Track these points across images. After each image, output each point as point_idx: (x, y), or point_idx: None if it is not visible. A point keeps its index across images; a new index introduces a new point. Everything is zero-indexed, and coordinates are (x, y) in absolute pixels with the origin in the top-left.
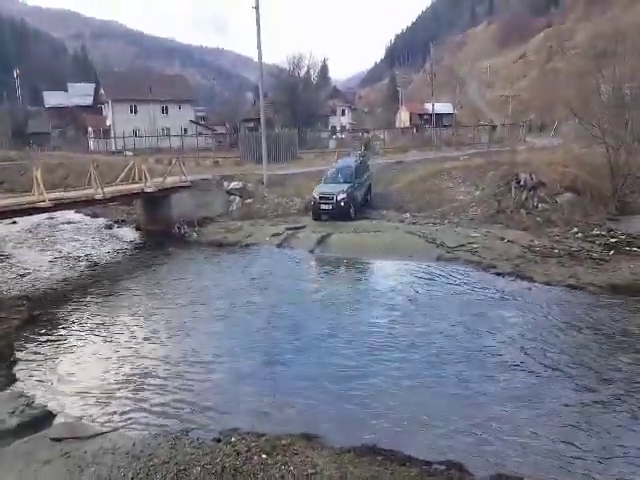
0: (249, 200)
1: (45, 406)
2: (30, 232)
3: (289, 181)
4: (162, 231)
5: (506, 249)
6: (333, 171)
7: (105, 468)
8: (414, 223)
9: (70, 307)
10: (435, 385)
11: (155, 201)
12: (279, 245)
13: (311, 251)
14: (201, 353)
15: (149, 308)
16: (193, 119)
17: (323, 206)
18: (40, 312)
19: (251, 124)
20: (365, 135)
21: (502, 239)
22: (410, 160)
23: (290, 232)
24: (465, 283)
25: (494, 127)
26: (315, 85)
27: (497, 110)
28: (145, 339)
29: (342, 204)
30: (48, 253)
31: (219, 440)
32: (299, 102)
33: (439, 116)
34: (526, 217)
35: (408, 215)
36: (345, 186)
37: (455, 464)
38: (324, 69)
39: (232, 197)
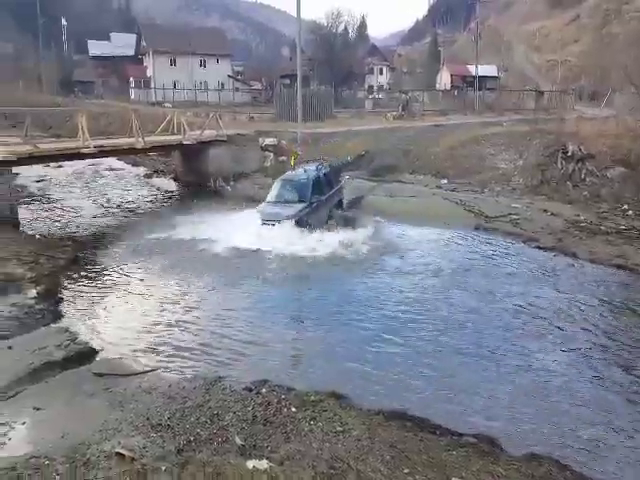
0: (283, 157)
1: (88, 342)
2: (75, 177)
3: (323, 140)
4: (198, 183)
5: (549, 222)
6: (280, 186)
7: (143, 406)
8: (452, 190)
9: (112, 250)
10: (473, 360)
11: (192, 153)
12: None
13: (345, 211)
14: (241, 304)
15: (186, 256)
16: (230, 74)
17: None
18: (84, 253)
19: (287, 80)
20: (403, 96)
21: (545, 212)
22: (450, 124)
23: None
24: (504, 255)
25: (541, 93)
26: (353, 42)
27: (545, 76)
28: (182, 285)
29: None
30: (91, 197)
31: (250, 390)
32: (336, 59)
33: (482, 79)
34: (572, 190)
35: (446, 181)
36: (297, 208)
37: (487, 437)
38: (363, 26)
39: (266, 153)
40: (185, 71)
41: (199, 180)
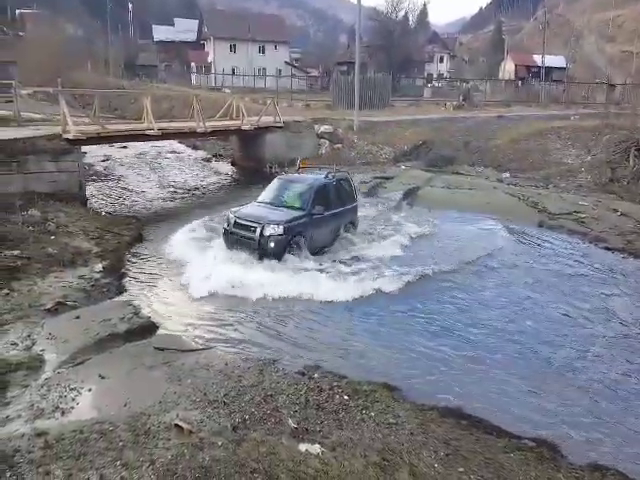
0: (338, 145)
1: (149, 317)
2: (138, 158)
3: (380, 128)
4: (254, 168)
5: (618, 222)
6: (277, 186)
7: (201, 381)
8: (514, 184)
9: (173, 228)
10: (534, 363)
11: (250, 139)
12: (366, 192)
13: (399, 202)
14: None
15: None
16: (288, 60)
17: (236, 236)
18: (148, 231)
19: (344, 67)
20: (464, 85)
21: (615, 211)
22: (513, 115)
23: (378, 181)
24: (569, 255)
25: (612, 86)
26: (413, 29)
27: (617, 67)
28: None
29: (270, 244)
30: (154, 178)
31: (303, 374)
32: (395, 46)
33: (549, 70)
34: None
35: (507, 175)
36: (290, 213)
37: (548, 443)
38: (423, 13)
39: (322, 141)
40: (244, 57)
41: (255, 165)
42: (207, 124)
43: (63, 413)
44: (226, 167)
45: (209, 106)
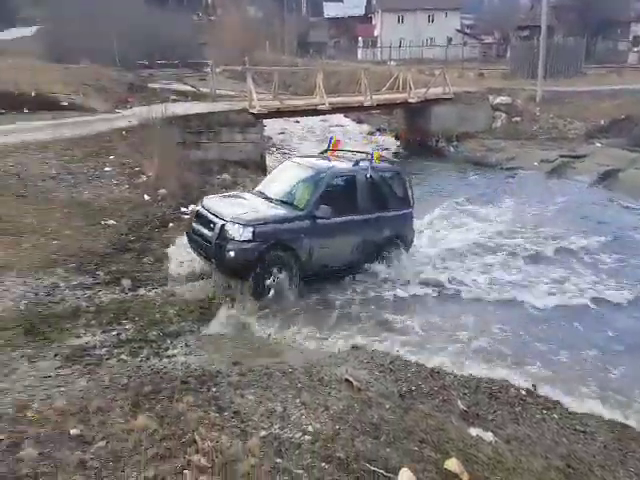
0: (517, 118)
1: None
2: (308, 131)
3: (568, 100)
4: (419, 142)
5: None
6: (283, 170)
7: None
8: None
9: None
10: None
11: (416, 112)
12: (549, 173)
13: (591, 186)
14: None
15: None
16: (459, 28)
17: (195, 234)
18: None
19: (525, 32)
20: None
21: None
22: None
23: (565, 160)
24: None
25: None
26: None
27: None
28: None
29: (229, 253)
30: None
31: None
32: (590, 4)
33: None
34: None
35: None
36: (274, 213)
37: None
38: None
39: (497, 113)
40: (412, 28)
41: (421, 138)
42: (374, 97)
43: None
44: (390, 141)
45: (375, 80)
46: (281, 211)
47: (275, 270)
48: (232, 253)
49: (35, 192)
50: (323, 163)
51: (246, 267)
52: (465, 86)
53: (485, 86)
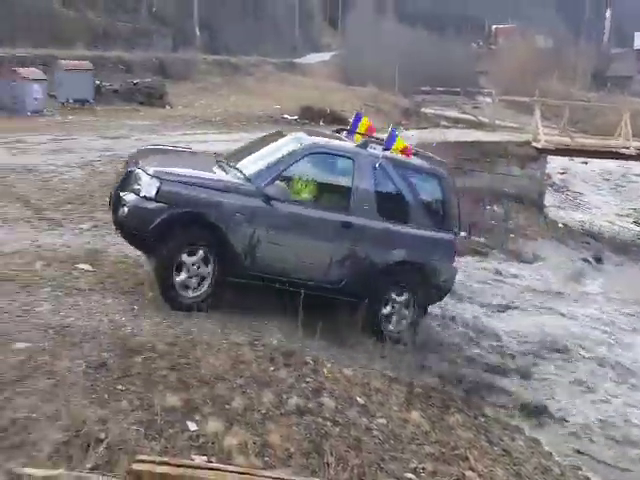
0: None
1: None
2: (600, 176)
3: None
4: None
5: None
6: (271, 134)
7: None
8: None
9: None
10: None
11: None
12: None
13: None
14: None
15: None
16: None
17: (117, 205)
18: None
19: None
20: None
21: None
22: None
23: None
24: None
25: None
26: None
27: None
28: None
29: (123, 209)
30: (615, 200)
31: None
32: None
33: None
34: None
35: None
36: (208, 176)
37: None
38: None
39: None
40: None
41: None
42: None
43: None
44: None
45: None
46: (220, 176)
47: (191, 256)
48: (125, 209)
49: None
50: (315, 137)
51: (142, 235)
52: None
53: None
